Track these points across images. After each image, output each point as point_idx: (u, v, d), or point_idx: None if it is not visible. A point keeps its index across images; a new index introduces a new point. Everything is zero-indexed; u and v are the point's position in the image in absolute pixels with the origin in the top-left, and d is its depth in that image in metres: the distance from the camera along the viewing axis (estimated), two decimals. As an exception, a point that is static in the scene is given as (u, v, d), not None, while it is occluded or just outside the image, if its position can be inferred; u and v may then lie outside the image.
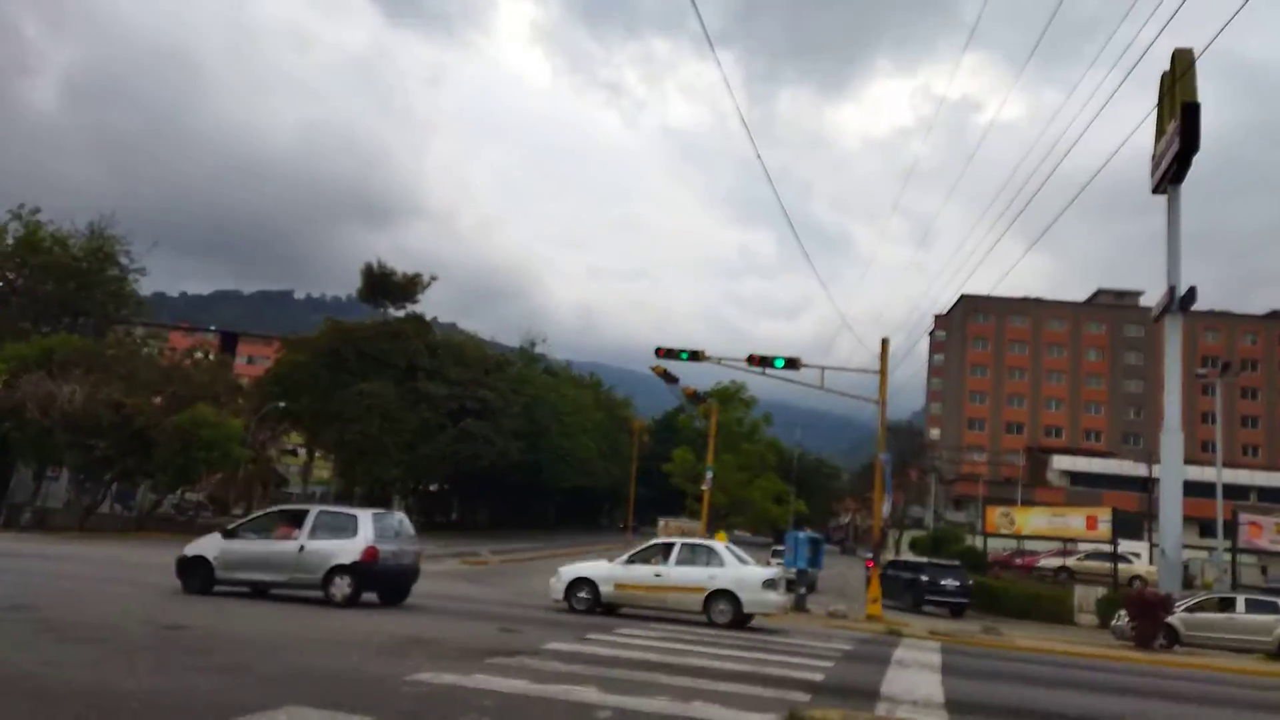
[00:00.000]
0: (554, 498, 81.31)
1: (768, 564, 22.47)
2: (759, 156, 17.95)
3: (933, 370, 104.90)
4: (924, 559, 34.32)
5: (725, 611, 15.61)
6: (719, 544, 17.41)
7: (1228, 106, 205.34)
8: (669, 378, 29.38)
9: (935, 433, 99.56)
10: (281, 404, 50.99)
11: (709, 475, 33.56)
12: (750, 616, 16.06)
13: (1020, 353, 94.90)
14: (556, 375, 78.08)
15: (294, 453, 69.46)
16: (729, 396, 42.39)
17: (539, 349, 79.33)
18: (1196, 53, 20.55)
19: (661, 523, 55.15)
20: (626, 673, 8.94)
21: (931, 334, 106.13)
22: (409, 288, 59.58)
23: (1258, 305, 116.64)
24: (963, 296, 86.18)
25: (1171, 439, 23.20)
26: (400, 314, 59.64)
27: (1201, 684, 14.22)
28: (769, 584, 15.92)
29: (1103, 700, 10.81)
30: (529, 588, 22.22)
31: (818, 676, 10.08)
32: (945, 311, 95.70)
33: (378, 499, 58.92)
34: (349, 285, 63.89)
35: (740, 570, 16.11)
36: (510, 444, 55.85)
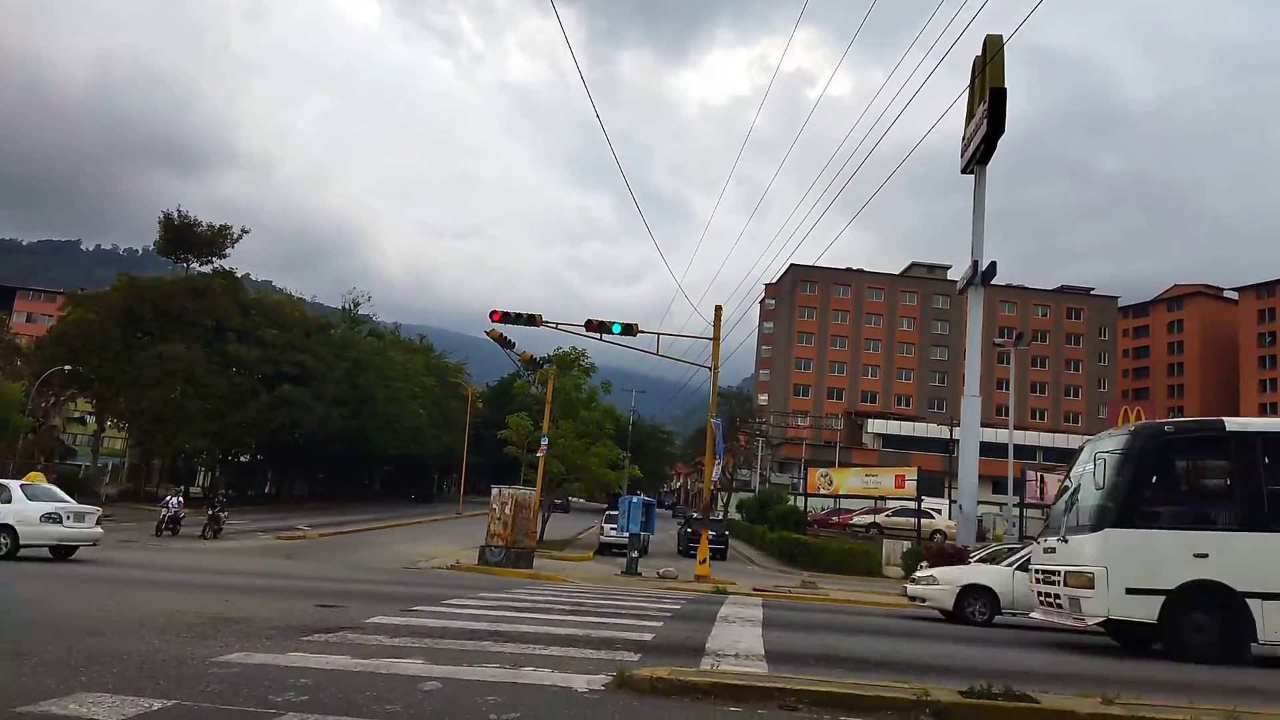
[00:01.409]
0: (380, 467, 78.87)
1: (600, 530, 22.65)
2: (599, 118, 17.80)
3: (762, 338, 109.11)
4: (694, 514, 35.91)
5: (4, 544, 17.80)
6: (13, 483, 19.21)
7: (1033, 92, 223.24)
8: (505, 343, 28.91)
9: (764, 398, 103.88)
10: (67, 367, 46.56)
11: (544, 442, 33.45)
12: (23, 546, 17.98)
13: (842, 322, 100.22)
14: (383, 338, 75.44)
15: (82, 420, 63.80)
16: (568, 363, 42.21)
17: (363, 309, 76.39)
18: (1005, 39, 21.98)
19: (495, 491, 54.47)
20: (455, 643, 8.73)
21: (762, 302, 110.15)
22: (216, 241, 55.48)
23: (1049, 280, 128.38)
24: (791, 266, 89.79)
25: (970, 404, 25.01)
26: (206, 270, 55.64)
27: (995, 628, 15.59)
28: (47, 518, 18.08)
29: (906, 644, 11.62)
30: (355, 562, 21.41)
31: (646, 636, 10.25)
32: (775, 280, 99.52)
33: (180, 471, 55.12)
34: (147, 237, 58.96)
35: (22, 506, 18.13)
36: (332, 411, 53.58)
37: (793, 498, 48.87)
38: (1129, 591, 11.05)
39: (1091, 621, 11.54)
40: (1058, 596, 11.96)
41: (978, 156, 24.41)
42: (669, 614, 13.43)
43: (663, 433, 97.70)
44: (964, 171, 25.54)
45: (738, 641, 10.34)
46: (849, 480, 42.05)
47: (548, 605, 13.30)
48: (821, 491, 42.64)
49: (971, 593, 16.45)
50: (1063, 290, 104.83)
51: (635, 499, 28.93)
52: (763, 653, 9.49)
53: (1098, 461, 11.62)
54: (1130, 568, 11.12)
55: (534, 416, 43.12)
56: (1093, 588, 11.21)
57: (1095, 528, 11.48)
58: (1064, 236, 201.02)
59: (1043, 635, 14.35)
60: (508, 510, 26.02)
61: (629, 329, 25.48)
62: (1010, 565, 16.75)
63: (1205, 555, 10.93)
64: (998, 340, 52.87)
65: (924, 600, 17.44)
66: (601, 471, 40.52)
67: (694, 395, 65.29)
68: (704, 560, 24.60)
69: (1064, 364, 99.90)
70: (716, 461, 27.63)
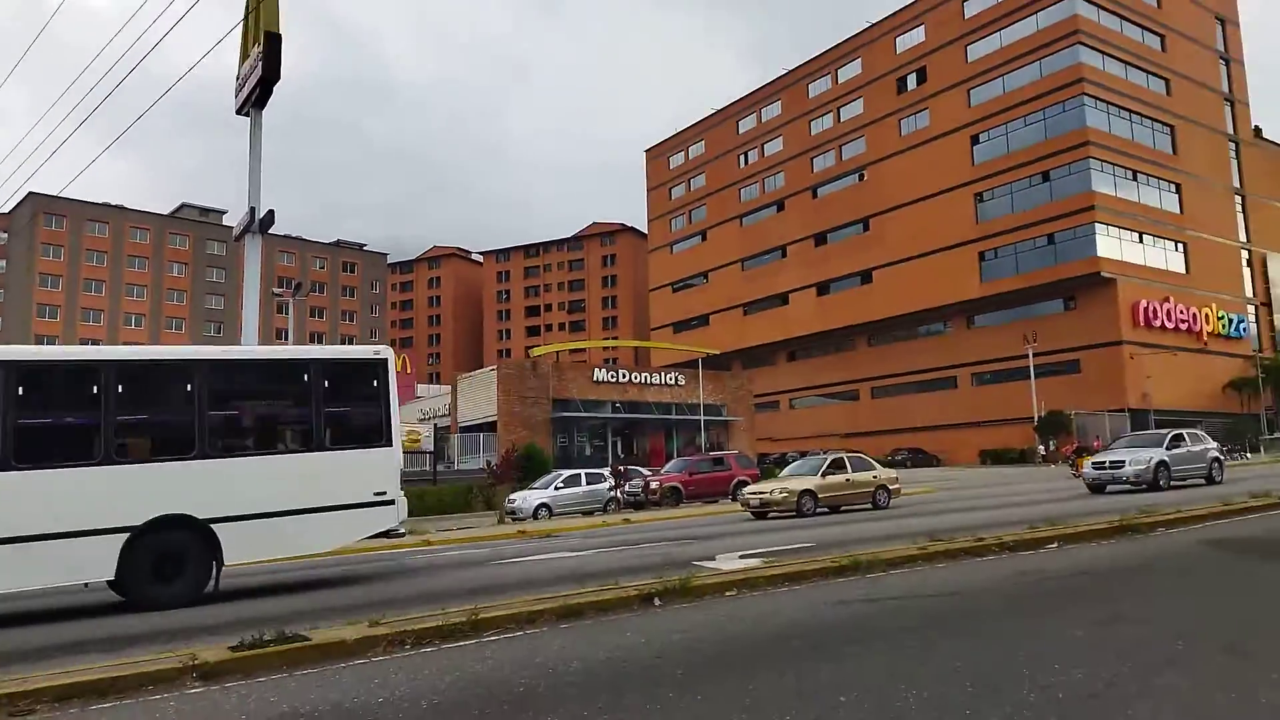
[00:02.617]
0: None
1: None
2: None
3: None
4: None
5: None
6: None
7: (317, 51, 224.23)
8: None
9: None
10: None
11: None
12: None
13: (99, 264, 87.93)
14: None
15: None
16: None
17: None
18: (278, -14, 21.49)
19: None
20: None
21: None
22: None
23: (328, 234, 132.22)
24: (31, 195, 75.16)
25: (249, 353, 24.39)
26: None
27: (252, 576, 15.54)
28: None
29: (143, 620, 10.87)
30: None
31: None
32: (9, 210, 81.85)
33: None
34: None
35: None
36: None
37: None
38: None
39: None
40: None
41: (253, 99, 23.54)
42: None
43: None
44: (239, 112, 24.41)
45: None
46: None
47: None
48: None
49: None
50: (340, 245, 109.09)
51: None
52: None
53: None
54: None
55: None
56: None
57: None
58: (342, 194, 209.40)
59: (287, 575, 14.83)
60: None
61: None
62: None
63: None
64: (276, 290, 52.55)
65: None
66: None
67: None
68: None
69: (340, 314, 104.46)
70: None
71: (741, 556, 11.68)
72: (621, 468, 32.60)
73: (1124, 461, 21.54)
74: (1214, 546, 10.66)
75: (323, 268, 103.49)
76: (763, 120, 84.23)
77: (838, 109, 76.63)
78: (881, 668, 5.48)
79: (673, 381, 48.66)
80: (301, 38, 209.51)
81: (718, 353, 65.23)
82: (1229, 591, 7.72)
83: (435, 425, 45.10)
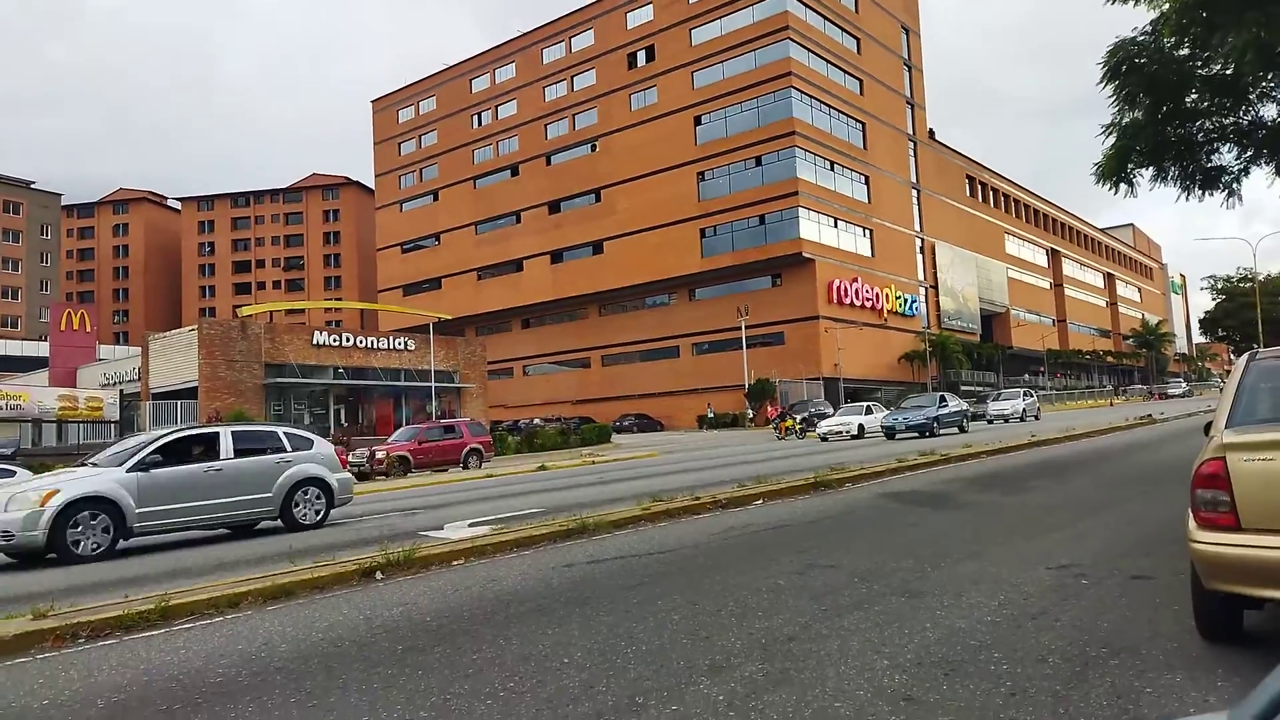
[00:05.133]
0: None
1: None
2: None
3: None
4: None
5: None
6: None
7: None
8: None
9: None
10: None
11: None
12: None
13: None
14: None
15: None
16: None
17: None
18: None
19: None
20: None
21: None
22: None
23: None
24: None
25: None
26: None
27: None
28: None
29: None
30: None
31: None
32: None
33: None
34: None
35: None
36: None
37: None
38: None
39: None
40: None
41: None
42: None
43: None
44: None
45: None
46: None
47: None
48: None
49: None
50: (2, 181, 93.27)
51: None
52: None
53: None
54: None
55: None
56: None
57: None
58: (10, 124, 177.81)
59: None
60: None
61: None
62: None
63: None
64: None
65: None
66: None
67: None
68: None
69: (2, 263, 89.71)
70: None
71: (471, 525, 11.54)
72: (345, 437, 31.02)
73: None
74: (892, 499, 12.11)
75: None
76: (497, 82, 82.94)
77: (571, 78, 77.24)
78: (604, 627, 5.61)
79: (402, 346, 46.91)
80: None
81: (450, 318, 63.84)
82: (904, 539, 8.78)
83: (122, 391, 40.19)
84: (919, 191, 78.92)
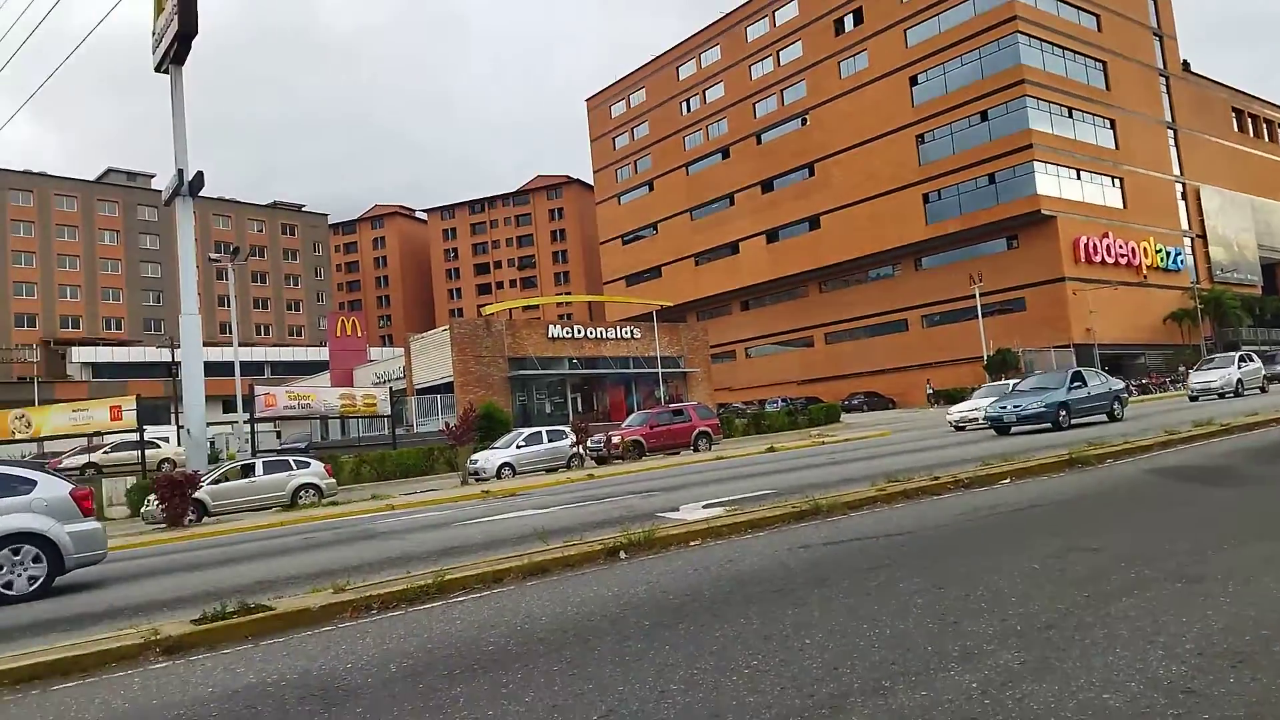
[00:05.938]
0: None
1: None
2: None
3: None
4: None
5: None
6: None
7: (235, 2, 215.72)
8: None
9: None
10: None
11: None
12: None
13: (27, 235, 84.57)
14: None
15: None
16: None
17: None
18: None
19: None
20: None
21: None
22: None
23: (263, 195, 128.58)
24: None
25: (189, 322, 23.78)
26: None
27: (224, 547, 15.35)
28: None
29: (140, 585, 10.69)
30: None
31: None
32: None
33: None
34: None
35: None
36: None
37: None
38: None
39: None
40: None
41: (172, 55, 22.69)
42: None
43: None
44: (158, 70, 23.51)
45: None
46: (53, 419, 36.20)
47: None
48: (19, 436, 35.94)
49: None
50: (276, 206, 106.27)
51: None
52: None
53: None
54: None
55: None
56: None
57: None
58: (277, 154, 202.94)
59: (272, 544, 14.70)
60: None
61: None
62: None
63: None
64: (214, 255, 51.05)
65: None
66: None
67: None
68: None
69: (284, 279, 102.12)
70: None
71: (705, 506, 11.80)
72: (583, 424, 32.66)
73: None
74: (1161, 474, 11.03)
75: (261, 231, 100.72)
76: (703, 65, 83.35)
77: (777, 52, 76.08)
78: (844, 609, 5.59)
79: (629, 335, 48.63)
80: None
81: (671, 304, 65.27)
82: (1177, 518, 8.00)
83: (391, 388, 44.60)
84: (1176, 131, 70.57)
